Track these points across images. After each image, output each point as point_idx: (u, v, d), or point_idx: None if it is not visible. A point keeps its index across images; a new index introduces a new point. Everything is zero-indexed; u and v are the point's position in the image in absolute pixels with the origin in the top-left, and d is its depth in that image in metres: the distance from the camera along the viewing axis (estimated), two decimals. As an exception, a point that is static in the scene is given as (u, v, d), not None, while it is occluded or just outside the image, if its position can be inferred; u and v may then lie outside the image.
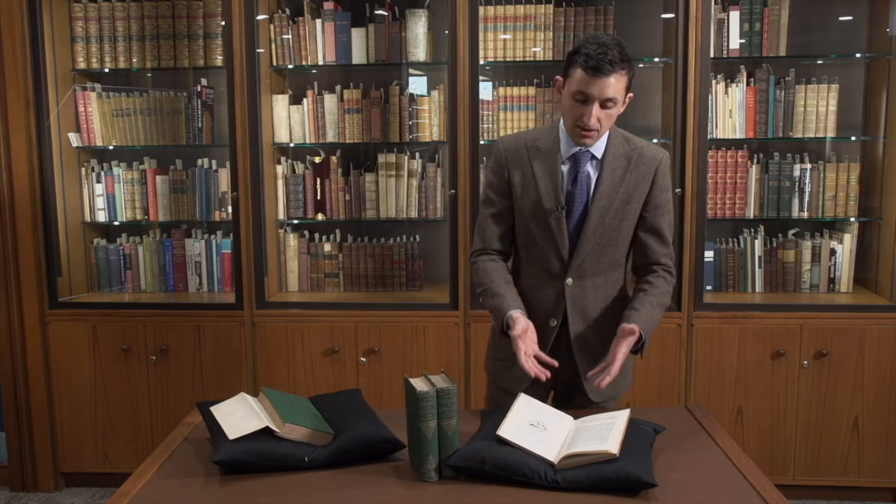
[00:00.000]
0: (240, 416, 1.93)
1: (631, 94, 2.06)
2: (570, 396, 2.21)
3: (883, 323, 3.15)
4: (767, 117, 3.26)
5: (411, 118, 3.35)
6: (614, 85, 1.96)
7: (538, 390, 2.18)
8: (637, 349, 2.07)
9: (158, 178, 3.50)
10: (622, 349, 2.00)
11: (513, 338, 2.04)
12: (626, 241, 2.16)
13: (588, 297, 2.15)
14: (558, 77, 2.10)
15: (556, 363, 2.03)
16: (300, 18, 3.34)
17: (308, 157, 3.50)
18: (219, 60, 3.37)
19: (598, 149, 2.10)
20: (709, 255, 3.30)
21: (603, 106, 1.99)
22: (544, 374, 1.98)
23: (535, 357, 2.01)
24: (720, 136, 3.26)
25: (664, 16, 3.35)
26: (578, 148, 2.09)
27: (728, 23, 3.21)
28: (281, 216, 3.47)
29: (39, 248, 3.35)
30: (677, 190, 3.14)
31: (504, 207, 2.18)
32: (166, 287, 3.54)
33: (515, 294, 2.14)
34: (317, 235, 3.54)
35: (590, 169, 2.11)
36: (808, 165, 3.30)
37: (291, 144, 3.45)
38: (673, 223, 2.22)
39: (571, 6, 3.25)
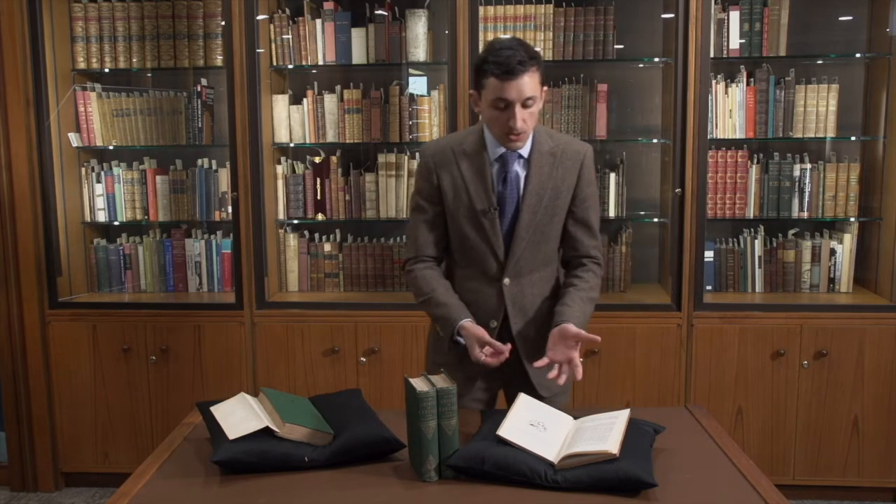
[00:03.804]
0: (240, 416, 1.93)
1: (545, 88, 2.10)
2: (519, 393, 2.22)
3: (883, 323, 3.15)
4: (767, 117, 3.26)
5: (411, 118, 3.35)
6: (529, 83, 2.00)
7: (486, 391, 2.23)
8: None
9: (158, 178, 3.50)
10: (576, 354, 2.02)
11: (467, 345, 2.08)
12: (557, 236, 2.20)
13: (526, 294, 2.19)
14: (471, 91, 2.12)
15: (506, 351, 2.04)
16: (300, 18, 3.34)
17: (308, 157, 3.50)
18: (219, 60, 3.37)
19: (525, 148, 2.13)
20: (709, 255, 3.30)
21: (525, 106, 2.02)
22: (502, 358, 2.03)
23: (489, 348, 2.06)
24: (720, 136, 3.26)
25: (664, 16, 3.35)
26: (505, 149, 2.12)
27: (728, 23, 3.20)
28: (281, 216, 3.47)
29: (39, 248, 3.35)
30: (677, 190, 3.14)
31: (435, 213, 2.19)
32: (166, 287, 3.54)
33: (459, 301, 2.16)
34: (317, 235, 3.54)
35: (518, 168, 2.14)
36: (808, 165, 3.30)
37: (291, 144, 3.45)
38: (599, 215, 2.26)
39: (571, 6, 3.24)
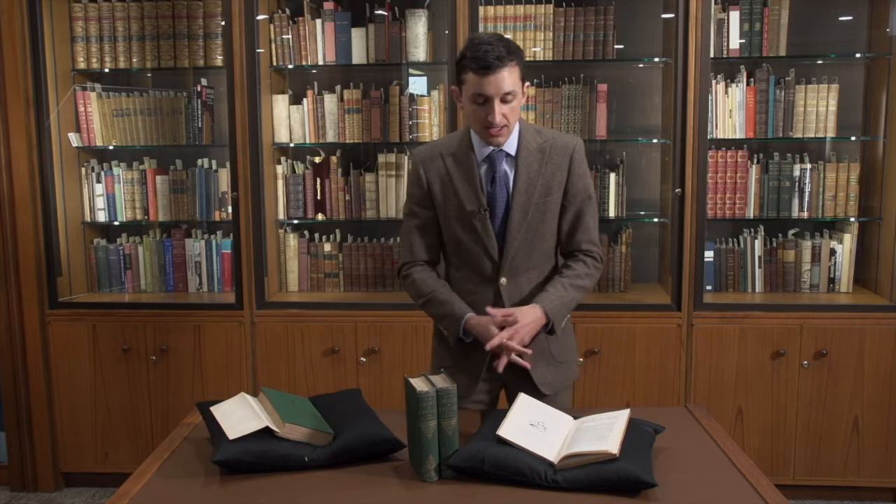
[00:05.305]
0: (240, 416, 1.93)
1: (528, 84, 2.10)
2: (520, 392, 2.22)
3: (883, 323, 3.15)
4: (767, 117, 3.26)
5: (411, 118, 3.35)
6: (508, 78, 2.00)
7: (488, 392, 2.23)
8: (549, 329, 2.13)
9: (158, 178, 3.50)
10: (512, 334, 2.05)
11: (478, 333, 2.10)
12: (552, 232, 2.20)
13: (524, 292, 2.19)
14: (454, 87, 2.13)
15: (512, 314, 2.07)
16: (300, 18, 3.34)
17: (308, 157, 3.50)
18: (219, 60, 3.37)
19: (512, 146, 2.13)
20: (709, 255, 3.30)
21: (504, 101, 2.02)
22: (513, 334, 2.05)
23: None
24: (720, 136, 3.26)
25: (664, 16, 3.35)
26: (492, 148, 2.12)
27: (728, 23, 3.20)
28: (281, 216, 3.47)
29: (39, 248, 3.35)
30: (677, 190, 3.14)
31: (428, 218, 2.20)
32: (166, 287, 3.54)
33: (460, 298, 2.17)
34: (317, 235, 3.54)
35: (506, 167, 2.14)
36: (808, 165, 3.30)
37: (291, 144, 3.44)
38: (597, 209, 2.25)
39: (571, 6, 3.24)
